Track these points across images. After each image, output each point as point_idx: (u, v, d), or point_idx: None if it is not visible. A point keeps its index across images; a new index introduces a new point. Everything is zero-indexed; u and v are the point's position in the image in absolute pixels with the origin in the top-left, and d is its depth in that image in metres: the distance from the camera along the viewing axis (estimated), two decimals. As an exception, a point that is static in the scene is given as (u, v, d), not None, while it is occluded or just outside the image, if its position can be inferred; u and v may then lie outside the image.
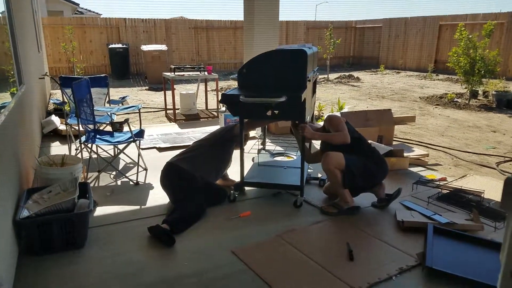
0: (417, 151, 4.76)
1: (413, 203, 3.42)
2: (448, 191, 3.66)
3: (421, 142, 5.52)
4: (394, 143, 5.14)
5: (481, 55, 8.24)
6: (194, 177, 3.29)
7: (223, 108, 5.90)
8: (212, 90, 9.69)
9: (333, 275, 2.44)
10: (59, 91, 5.35)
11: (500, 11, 13.36)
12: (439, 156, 4.95)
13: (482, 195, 3.50)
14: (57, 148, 5.02)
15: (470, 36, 8.38)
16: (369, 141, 3.54)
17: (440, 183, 3.87)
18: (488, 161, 4.76)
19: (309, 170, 4.09)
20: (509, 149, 5.27)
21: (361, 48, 18.28)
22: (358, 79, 13.13)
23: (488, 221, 3.07)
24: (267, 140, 4.76)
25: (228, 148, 3.60)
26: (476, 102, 8.65)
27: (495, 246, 2.67)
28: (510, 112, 7.76)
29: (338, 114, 5.17)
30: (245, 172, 3.62)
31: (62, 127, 5.55)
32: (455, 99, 8.80)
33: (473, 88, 8.67)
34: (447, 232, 2.82)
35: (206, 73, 6.96)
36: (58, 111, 6.28)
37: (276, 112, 3.17)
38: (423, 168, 4.41)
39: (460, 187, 3.70)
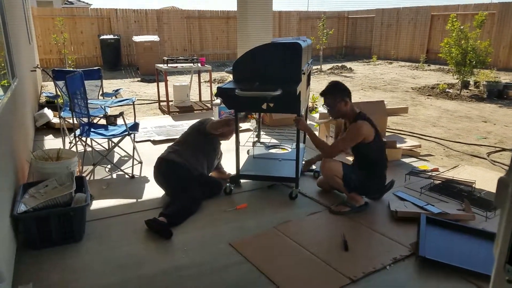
0: (410, 142, 4.82)
1: (406, 194, 3.48)
2: (440, 181, 3.73)
3: (413, 133, 5.59)
4: (386, 134, 5.20)
5: (473, 46, 8.31)
6: (187, 169, 3.31)
7: (217, 101, 5.90)
8: (205, 82, 9.66)
9: (329, 265, 2.49)
10: (51, 83, 5.31)
11: (491, 1, 13.44)
12: (431, 147, 5.02)
13: (473, 185, 3.57)
14: (51, 142, 4.99)
15: (462, 27, 8.43)
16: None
17: (432, 174, 3.94)
18: (479, 151, 4.84)
19: (303, 162, 4.13)
20: (499, 139, 5.36)
21: (353, 38, 18.29)
22: (350, 69, 13.16)
23: (480, 211, 3.14)
24: (262, 132, 4.78)
25: (209, 140, 3.59)
26: (467, 92, 8.74)
27: (486, 235, 2.74)
28: (500, 102, 7.86)
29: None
30: (241, 165, 3.65)
31: (55, 120, 5.51)
32: (447, 90, 8.88)
33: (465, 79, 8.75)
34: (440, 222, 2.88)
35: (199, 64, 6.93)
36: (51, 103, 6.23)
37: (272, 105, 3.19)
38: (416, 159, 4.47)
39: (452, 178, 3.77)
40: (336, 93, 3.20)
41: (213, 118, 4.25)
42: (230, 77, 3.49)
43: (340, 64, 13.91)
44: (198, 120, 3.74)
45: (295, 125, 3.38)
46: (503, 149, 4.92)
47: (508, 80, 9.77)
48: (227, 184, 3.54)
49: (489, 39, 9.78)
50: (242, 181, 3.73)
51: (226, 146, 4.00)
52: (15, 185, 2.94)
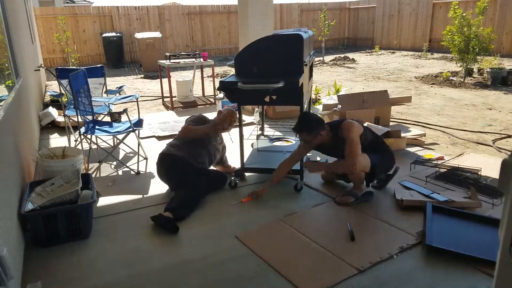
0: (414, 131, 4.79)
1: (412, 183, 3.47)
2: (445, 169, 3.71)
3: (418, 122, 5.56)
4: (391, 124, 5.17)
5: (475, 33, 8.22)
6: (188, 162, 3.32)
7: (221, 95, 5.90)
8: (208, 77, 9.65)
9: (336, 256, 2.50)
10: (55, 82, 5.34)
11: (494, -13, 13.24)
12: (436, 136, 5.00)
13: (479, 173, 3.55)
14: (56, 140, 5.03)
15: (464, 14, 8.34)
16: (367, 124, 3.55)
17: (438, 162, 3.92)
18: (485, 139, 4.81)
19: (308, 154, 4.13)
20: (505, 126, 5.32)
21: (355, 29, 18.14)
22: (353, 60, 13.07)
23: (486, 198, 3.12)
24: (265, 125, 4.78)
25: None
26: (471, 80, 8.66)
27: (493, 222, 2.73)
28: (505, 89, 7.79)
29: (335, 100, 5.18)
30: (245, 158, 3.65)
31: (60, 118, 5.54)
32: (451, 78, 8.81)
33: (468, 66, 8.67)
34: (446, 210, 2.88)
35: (201, 59, 6.92)
36: (55, 102, 6.26)
37: (274, 97, 3.19)
38: (421, 148, 4.46)
39: (457, 166, 3.75)
40: (311, 128, 3.11)
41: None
42: (232, 71, 3.48)
43: (342, 55, 13.82)
44: (192, 115, 3.74)
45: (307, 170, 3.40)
46: (509, 136, 4.89)
47: (513, 66, 9.66)
48: (232, 178, 3.55)
49: (492, 26, 9.66)
50: (247, 174, 3.74)
51: (230, 140, 4.00)
52: (22, 183, 2.97)
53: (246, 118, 5.76)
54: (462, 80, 8.60)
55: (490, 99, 6.95)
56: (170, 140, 3.65)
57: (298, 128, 3.14)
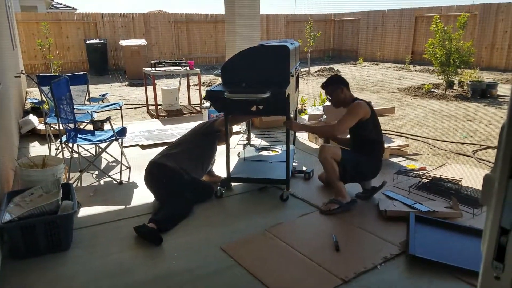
0: (397, 142, 4.86)
1: (395, 193, 3.51)
2: (428, 180, 3.77)
3: (401, 133, 5.65)
4: (375, 134, 5.23)
5: (456, 46, 8.45)
6: (179, 174, 3.28)
7: (207, 104, 5.89)
8: (194, 85, 9.62)
9: (321, 266, 2.50)
10: (36, 89, 5.24)
11: (472, 2, 13.71)
12: (418, 146, 5.08)
13: (460, 183, 3.62)
14: (36, 149, 4.91)
15: (446, 28, 8.57)
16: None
17: (420, 173, 3.98)
18: (465, 150, 4.91)
19: (294, 164, 4.14)
20: (484, 137, 5.45)
21: (340, 41, 18.44)
22: (338, 71, 13.25)
23: (467, 208, 3.18)
24: (252, 134, 4.78)
25: (209, 143, 3.60)
26: (452, 92, 8.87)
27: (474, 232, 2.77)
28: (484, 101, 8.00)
29: (321, 111, 5.22)
30: (231, 168, 3.64)
31: (40, 126, 5.43)
32: (432, 90, 9.00)
33: (449, 79, 8.88)
34: (428, 220, 2.91)
35: (187, 68, 6.90)
36: (36, 110, 6.13)
37: (261, 107, 3.19)
38: (403, 158, 4.52)
39: (439, 176, 3.82)
40: (333, 83, 3.41)
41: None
42: (219, 80, 3.48)
43: (327, 66, 14.00)
44: (200, 123, 3.76)
45: (287, 127, 3.39)
46: (488, 147, 5.00)
47: (491, 79, 9.94)
48: (218, 188, 3.52)
49: (472, 40, 9.96)
50: (233, 184, 3.71)
51: (217, 149, 3.98)
52: None
53: (232, 128, 5.74)
54: (443, 92, 8.80)
55: (470, 111, 7.13)
56: (165, 147, 3.61)
57: (324, 83, 3.45)
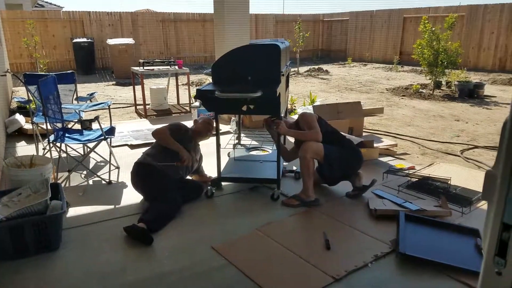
0: (386, 141, 4.91)
1: (384, 192, 3.54)
2: (417, 179, 3.81)
3: (389, 133, 5.70)
4: (364, 134, 5.28)
5: (444, 47, 8.56)
6: (165, 173, 3.26)
7: (196, 103, 5.86)
8: (183, 85, 9.57)
9: (312, 264, 2.50)
10: (23, 88, 5.15)
11: (459, 3, 13.91)
12: (406, 146, 5.14)
13: (448, 182, 3.67)
14: (24, 148, 4.83)
15: (434, 28, 8.68)
16: (343, 133, 3.64)
17: (409, 172, 4.02)
18: (453, 149, 4.98)
19: (284, 163, 4.14)
20: (471, 137, 5.53)
21: (329, 41, 18.55)
22: (327, 72, 13.33)
23: (456, 207, 3.22)
24: (242, 134, 4.77)
25: (187, 140, 3.52)
26: (440, 92, 9.00)
27: (463, 230, 2.81)
28: (471, 101, 8.13)
29: (311, 110, 5.25)
30: (222, 168, 3.63)
31: (27, 126, 5.34)
32: (420, 90, 9.12)
33: (437, 79, 9.01)
34: (418, 219, 2.94)
35: (176, 67, 6.85)
36: (22, 109, 6.03)
37: (252, 107, 3.19)
38: (392, 158, 4.56)
39: (428, 175, 3.86)
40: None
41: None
42: (208, 80, 3.47)
43: (316, 67, 14.07)
44: (171, 122, 3.66)
45: (271, 128, 3.42)
46: (476, 147, 5.09)
47: (478, 79, 10.11)
48: (209, 187, 3.51)
49: (459, 40, 10.11)
50: (223, 183, 3.70)
51: (207, 149, 3.97)
52: (-14, 194, 2.83)
53: (222, 127, 5.74)
54: (431, 92, 8.91)
55: (457, 111, 7.23)
56: (147, 148, 3.56)
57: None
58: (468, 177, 3.87)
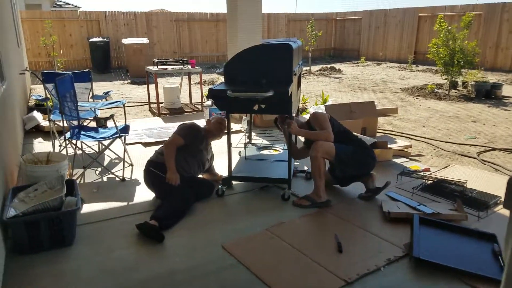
0: (400, 142, 4.85)
1: (398, 194, 3.49)
2: (431, 181, 3.75)
3: (404, 133, 5.63)
4: (377, 134, 5.23)
5: (460, 46, 8.41)
6: (177, 172, 3.28)
7: (208, 102, 5.87)
8: (195, 84, 9.61)
9: (323, 267, 2.49)
10: (40, 86, 5.24)
11: (476, 2, 13.62)
12: (421, 147, 5.06)
13: (465, 185, 3.60)
14: (40, 145, 4.92)
15: (450, 27, 8.53)
16: (355, 134, 3.61)
17: (424, 174, 3.96)
18: (469, 151, 4.89)
19: (295, 163, 4.13)
20: (489, 139, 5.42)
21: (342, 40, 18.39)
22: (339, 71, 13.22)
23: (472, 211, 3.16)
24: (253, 133, 4.77)
25: (200, 139, 3.52)
26: (455, 92, 8.84)
27: (479, 235, 2.75)
28: (489, 102, 7.97)
29: (322, 110, 5.22)
30: (233, 167, 3.63)
31: (44, 123, 5.43)
32: (435, 90, 8.97)
33: (453, 79, 8.85)
34: (433, 222, 2.90)
35: (189, 66, 6.90)
36: (40, 106, 6.14)
37: (263, 106, 3.18)
38: (407, 159, 4.50)
39: (443, 178, 3.80)
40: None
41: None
42: (220, 79, 3.48)
43: (329, 66, 13.97)
44: (183, 122, 3.68)
45: (282, 127, 3.40)
46: (493, 149, 4.98)
47: (495, 80, 9.90)
48: (219, 186, 3.52)
49: (476, 40, 9.91)
50: (234, 182, 3.71)
51: (218, 148, 3.98)
52: (4, 189, 2.89)
53: (233, 126, 5.74)
54: (446, 92, 8.77)
55: (474, 112, 7.10)
56: (159, 146, 3.59)
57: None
58: (485, 180, 3.79)
